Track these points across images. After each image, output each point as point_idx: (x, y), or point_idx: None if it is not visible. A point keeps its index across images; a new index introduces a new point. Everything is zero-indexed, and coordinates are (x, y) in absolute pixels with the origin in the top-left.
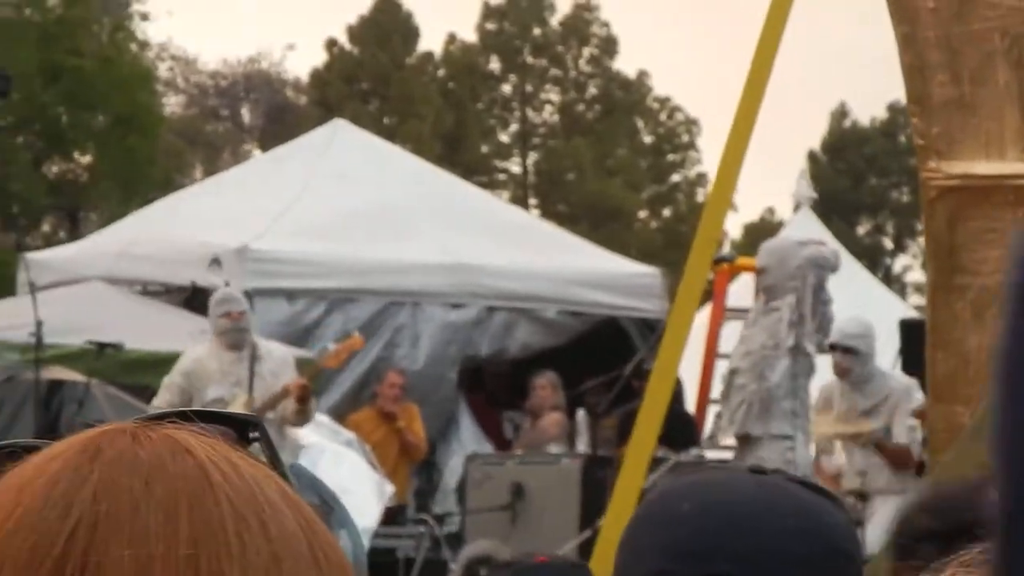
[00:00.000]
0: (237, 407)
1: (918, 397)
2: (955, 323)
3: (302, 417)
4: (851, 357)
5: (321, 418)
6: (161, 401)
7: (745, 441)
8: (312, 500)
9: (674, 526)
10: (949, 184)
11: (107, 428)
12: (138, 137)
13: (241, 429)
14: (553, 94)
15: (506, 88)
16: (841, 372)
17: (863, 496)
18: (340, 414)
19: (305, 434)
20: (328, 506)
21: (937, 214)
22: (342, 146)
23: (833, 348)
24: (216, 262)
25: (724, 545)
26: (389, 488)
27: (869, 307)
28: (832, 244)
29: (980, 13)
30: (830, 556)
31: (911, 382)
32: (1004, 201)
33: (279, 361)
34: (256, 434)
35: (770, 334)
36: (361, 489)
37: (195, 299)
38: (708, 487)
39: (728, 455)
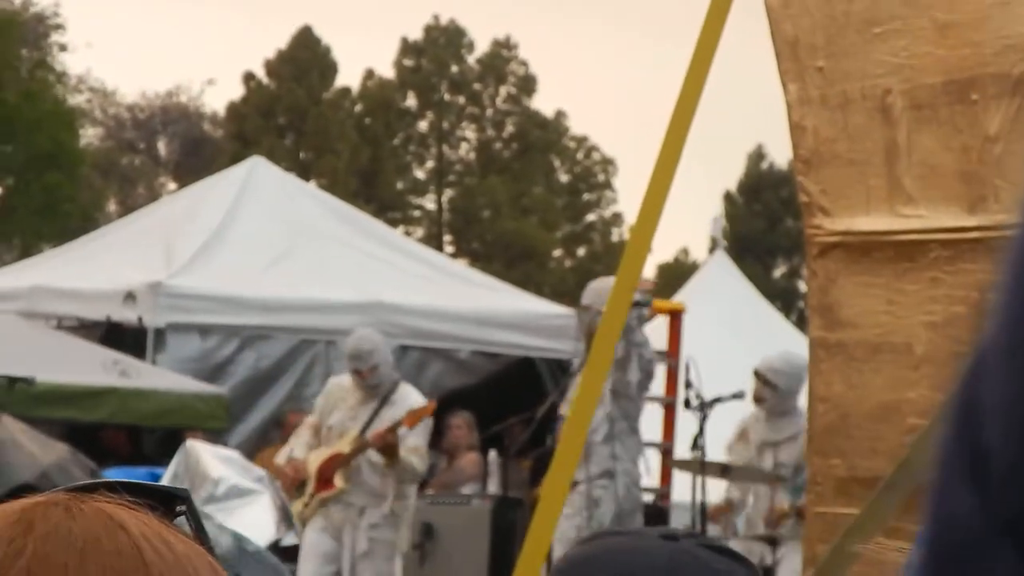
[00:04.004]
0: (346, 441)
1: None
2: (835, 377)
3: (399, 471)
4: (769, 390)
5: (231, 454)
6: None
7: (573, 487)
8: None
9: None
10: (832, 240)
11: (40, 500)
12: (59, 174)
13: (168, 502)
14: (470, 131)
15: (423, 125)
16: (757, 399)
17: (773, 541)
18: (249, 451)
19: (215, 467)
20: None
21: (820, 270)
22: (258, 183)
23: (756, 375)
24: (131, 297)
25: None
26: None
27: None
28: (747, 285)
29: (867, 71)
30: None
31: None
32: (885, 256)
33: (404, 409)
34: (182, 508)
35: None
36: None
37: (111, 334)
38: (620, 555)
39: None
